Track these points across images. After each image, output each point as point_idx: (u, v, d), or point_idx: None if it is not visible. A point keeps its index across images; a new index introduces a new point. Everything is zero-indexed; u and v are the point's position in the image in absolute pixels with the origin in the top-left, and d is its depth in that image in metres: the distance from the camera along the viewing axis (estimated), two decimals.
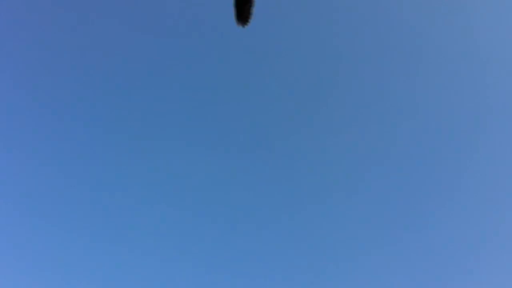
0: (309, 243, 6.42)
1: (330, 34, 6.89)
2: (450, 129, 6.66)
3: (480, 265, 6.20)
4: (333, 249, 6.45)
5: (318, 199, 6.68)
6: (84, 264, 6.20)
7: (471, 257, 6.22)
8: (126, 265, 6.26)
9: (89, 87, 6.68)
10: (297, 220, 6.55)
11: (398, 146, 6.76)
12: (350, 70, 6.91)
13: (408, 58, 6.80)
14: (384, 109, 6.84)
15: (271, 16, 6.89)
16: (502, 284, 5.89)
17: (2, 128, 6.34)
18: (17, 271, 5.99)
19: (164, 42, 6.84)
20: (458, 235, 6.34)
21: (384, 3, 6.79)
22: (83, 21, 6.56)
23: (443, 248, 6.29)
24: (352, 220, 6.52)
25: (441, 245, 6.30)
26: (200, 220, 6.56)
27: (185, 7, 6.84)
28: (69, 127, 6.57)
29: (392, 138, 6.81)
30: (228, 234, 6.51)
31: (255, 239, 6.48)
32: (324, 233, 6.47)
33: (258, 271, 6.24)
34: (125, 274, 6.19)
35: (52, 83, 6.55)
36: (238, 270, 6.28)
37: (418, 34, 6.72)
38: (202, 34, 6.91)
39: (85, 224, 6.37)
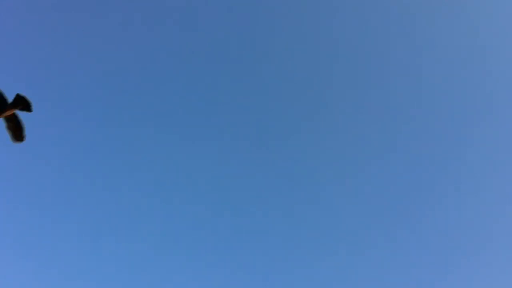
0: (309, 242, 6.43)
1: (331, 32, 6.89)
2: (451, 128, 6.67)
3: (480, 264, 6.21)
4: (333, 248, 6.46)
5: (320, 198, 6.67)
6: (86, 264, 6.21)
7: (471, 257, 6.23)
8: (128, 264, 6.27)
9: (89, 84, 6.69)
10: (298, 218, 6.56)
11: (398, 145, 6.76)
12: (351, 67, 6.91)
13: (409, 57, 6.80)
14: (384, 108, 6.84)
15: (271, 14, 6.90)
16: (502, 284, 5.90)
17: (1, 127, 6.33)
18: (18, 271, 6.00)
19: (164, 40, 6.84)
20: (458, 234, 6.36)
21: (384, 2, 6.80)
22: (82, 19, 6.56)
23: (443, 247, 6.30)
24: (353, 218, 6.53)
25: (441, 244, 6.31)
26: (201, 218, 6.56)
27: (185, 4, 6.84)
28: (69, 125, 6.57)
29: (392, 137, 6.81)
30: (230, 232, 6.51)
31: (256, 238, 6.48)
32: (325, 232, 6.48)
33: (258, 269, 6.25)
34: (126, 272, 6.20)
35: (51, 80, 6.55)
36: (238, 268, 6.29)
37: (419, 31, 6.73)
38: (203, 32, 6.91)
39: (86, 223, 6.37)
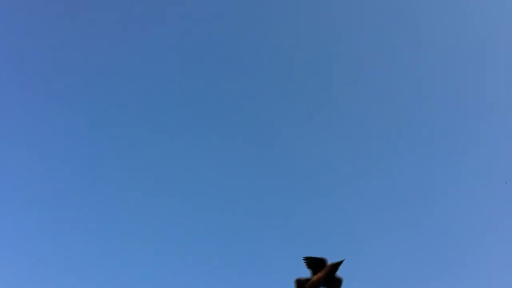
0: (311, 241, 6.43)
1: (331, 31, 6.89)
2: (452, 128, 6.67)
3: (479, 264, 6.21)
4: (333, 247, 6.45)
5: (321, 197, 6.67)
6: (87, 264, 6.21)
7: (471, 257, 6.23)
8: (129, 264, 6.27)
9: (89, 84, 6.69)
10: (299, 217, 6.56)
11: (399, 144, 6.76)
12: (352, 67, 6.91)
13: (409, 56, 6.79)
14: (386, 107, 6.84)
15: (273, 13, 6.89)
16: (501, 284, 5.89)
17: (2, 128, 6.34)
18: (19, 270, 6.00)
19: (164, 39, 6.83)
20: (458, 235, 6.35)
21: (384, 2, 6.80)
22: (80, 19, 6.56)
23: (444, 247, 6.30)
24: (354, 218, 6.52)
25: (442, 245, 6.31)
26: (202, 218, 6.56)
27: (185, 4, 6.84)
28: (70, 125, 6.58)
29: (393, 136, 6.81)
30: (231, 232, 6.51)
31: (257, 237, 6.48)
32: (326, 231, 6.47)
33: (259, 269, 6.25)
34: (125, 272, 6.20)
35: (52, 81, 6.56)
36: (240, 268, 6.29)
37: (419, 30, 6.73)
38: (203, 32, 6.91)
39: (87, 223, 6.37)
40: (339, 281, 3.51)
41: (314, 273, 3.51)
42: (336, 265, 3.48)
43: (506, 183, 5.89)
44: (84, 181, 6.43)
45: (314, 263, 3.52)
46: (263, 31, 6.95)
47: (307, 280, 3.52)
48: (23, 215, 6.20)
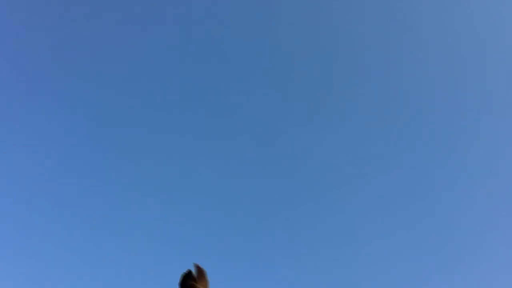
0: (311, 241, 6.44)
1: (331, 30, 6.90)
2: (452, 129, 6.66)
3: (479, 264, 6.21)
4: (334, 247, 6.46)
5: (321, 197, 6.68)
6: (87, 264, 6.21)
7: (471, 257, 6.23)
8: (129, 264, 6.27)
9: (92, 84, 6.69)
10: (299, 217, 6.57)
11: (399, 144, 6.76)
12: (352, 66, 6.92)
13: (409, 56, 6.80)
14: (386, 107, 6.84)
15: (273, 12, 6.91)
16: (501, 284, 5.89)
17: (3, 128, 6.34)
18: (20, 270, 6.00)
19: (166, 39, 6.84)
20: (458, 235, 6.35)
21: (384, 2, 6.80)
22: (80, 18, 6.56)
23: (444, 247, 6.30)
24: (354, 217, 6.53)
25: (442, 244, 6.31)
26: (203, 217, 6.57)
27: (185, 4, 6.84)
28: (72, 125, 6.58)
29: (393, 135, 6.81)
30: (232, 232, 6.52)
31: (258, 237, 6.49)
32: (326, 231, 6.48)
33: (260, 269, 6.25)
34: (126, 272, 6.20)
35: (52, 81, 6.56)
36: (241, 267, 6.30)
37: (419, 30, 6.72)
38: (204, 31, 6.91)
39: (88, 223, 6.38)
40: None
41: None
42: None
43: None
44: (84, 181, 6.43)
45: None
46: (263, 31, 6.95)
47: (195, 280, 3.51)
48: (23, 215, 6.19)
